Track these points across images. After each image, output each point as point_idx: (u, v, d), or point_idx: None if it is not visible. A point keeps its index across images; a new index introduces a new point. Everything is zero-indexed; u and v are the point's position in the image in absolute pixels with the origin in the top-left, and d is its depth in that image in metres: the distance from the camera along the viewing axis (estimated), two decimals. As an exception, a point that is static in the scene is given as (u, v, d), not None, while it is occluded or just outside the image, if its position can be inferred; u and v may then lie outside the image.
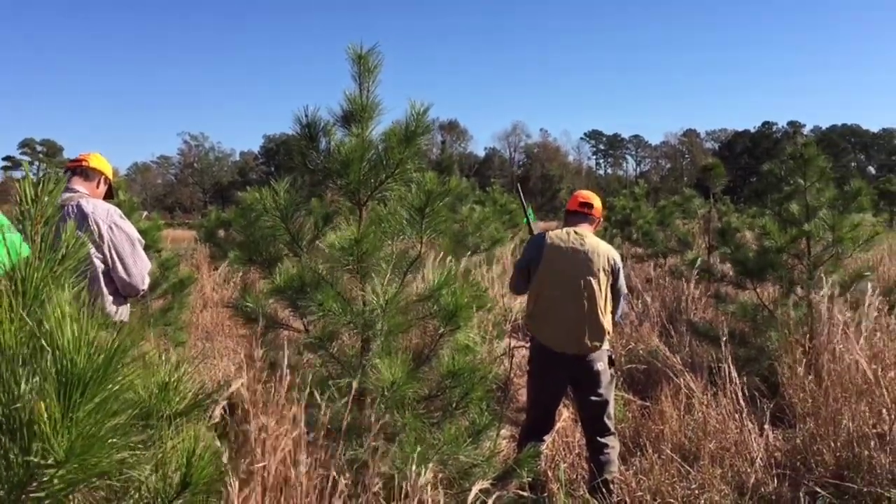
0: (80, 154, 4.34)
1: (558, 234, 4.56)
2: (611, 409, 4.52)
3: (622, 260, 4.81)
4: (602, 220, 4.87)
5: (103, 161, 4.35)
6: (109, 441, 1.07)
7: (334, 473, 2.80)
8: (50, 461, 1.03)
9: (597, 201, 4.78)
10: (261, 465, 2.66)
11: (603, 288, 4.43)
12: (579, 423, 4.89)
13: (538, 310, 4.49)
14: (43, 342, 1.05)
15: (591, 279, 4.38)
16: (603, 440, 4.45)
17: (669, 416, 5.17)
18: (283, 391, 2.94)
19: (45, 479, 1.07)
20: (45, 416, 0.99)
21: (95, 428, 1.05)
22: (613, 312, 4.55)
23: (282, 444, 2.77)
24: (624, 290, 4.62)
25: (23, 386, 1.06)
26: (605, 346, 4.49)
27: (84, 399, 1.03)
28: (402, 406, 3.25)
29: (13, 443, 1.05)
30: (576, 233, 4.55)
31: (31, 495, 1.08)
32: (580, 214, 4.70)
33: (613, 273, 4.50)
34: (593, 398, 4.44)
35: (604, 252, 4.49)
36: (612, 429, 4.52)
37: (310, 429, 2.86)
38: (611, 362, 4.56)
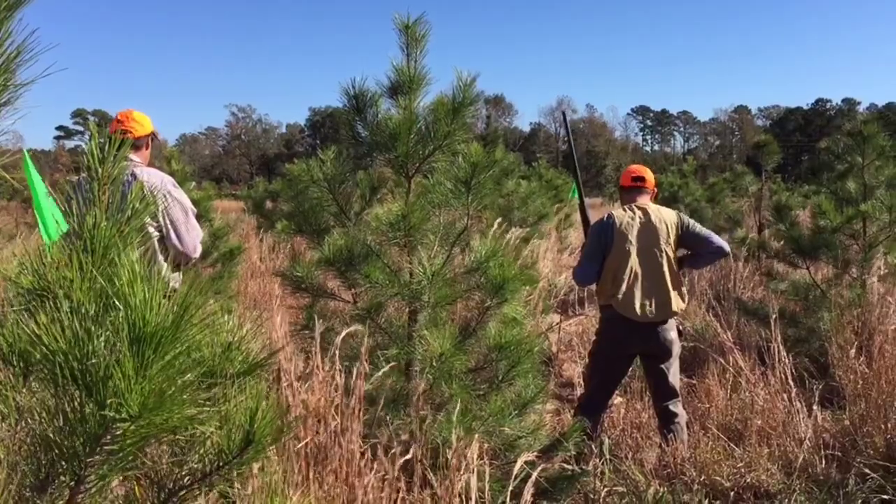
0: (119, 113, 4.18)
1: (623, 215, 4.70)
2: (677, 377, 4.71)
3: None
4: (655, 191, 4.98)
5: (145, 120, 4.23)
6: (179, 398, 1.11)
7: (382, 441, 2.84)
8: (124, 416, 1.07)
9: (648, 174, 4.91)
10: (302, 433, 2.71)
11: (675, 251, 4.65)
12: (648, 397, 5.06)
13: (619, 286, 4.58)
14: (115, 301, 1.09)
15: (666, 247, 4.59)
16: (673, 409, 4.61)
17: (716, 395, 5.13)
18: (328, 361, 2.98)
19: (119, 432, 1.11)
20: (120, 372, 1.02)
21: (166, 385, 1.08)
22: (715, 247, 4.66)
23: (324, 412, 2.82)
24: (705, 229, 4.74)
25: (96, 342, 1.10)
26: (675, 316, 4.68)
27: (156, 356, 1.06)
28: (450, 377, 3.27)
29: (89, 397, 1.09)
30: (637, 206, 4.71)
31: (105, 448, 1.12)
32: (635, 189, 4.82)
33: (685, 227, 4.67)
34: (663, 366, 4.61)
35: (666, 217, 4.67)
36: (679, 395, 4.69)
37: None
38: (679, 333, 4.73)
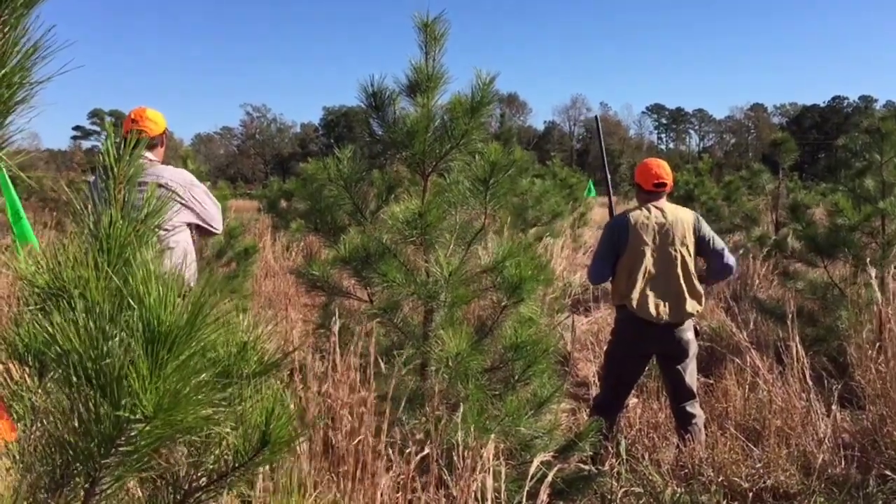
0: (132, 111, 4.13)
1: (639, 214, 4.62)
2: (695, 378, 4.68)
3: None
4: (672, 185, 4.89)
5: (159, 118, 4.18)
6: (195, 398, 1.10)
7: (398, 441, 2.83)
8: (138, 416, 1.06)
9: (669, 176, 4.80)
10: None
11: (692, 254, 4.59)
12: (665, 397, 5.02)
13: (634, 287, 4.52)
14: (130, 300, 1.08)
15: (682, 248, 4.54)
16: (690, 410, 4.58)
17: (733, 395, 5.09)
18: (346, 359, 2.98)
19: (134, 433, 1.10)
20: (135, 372, 1.01)
21: (181, 385, 1.07)
22: (723, 265, 4.67)
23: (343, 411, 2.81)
24: (720, 241, 4.73)
25: (111, 342, 1.09)
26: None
27: (171, 356, 1.05)
28: (465, 377, 3.25)
29: (103, 398, 1.08)
30: (654, 206, 4.65)
31: (120, 449, 1.11)
32: (655, 194, 4.73)
33: (700, 233, 4.64)
34: (680, 367, 4.57)
35: (683, 218, 4.62)
36: (696, 395, 4.67)
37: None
38: (696, 332, 4.68)
